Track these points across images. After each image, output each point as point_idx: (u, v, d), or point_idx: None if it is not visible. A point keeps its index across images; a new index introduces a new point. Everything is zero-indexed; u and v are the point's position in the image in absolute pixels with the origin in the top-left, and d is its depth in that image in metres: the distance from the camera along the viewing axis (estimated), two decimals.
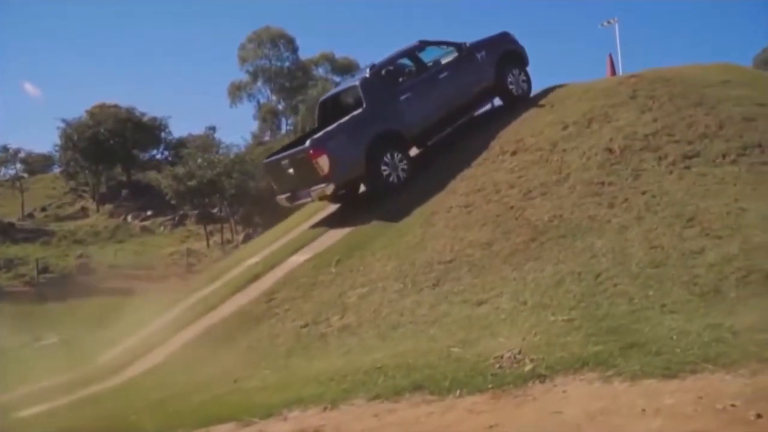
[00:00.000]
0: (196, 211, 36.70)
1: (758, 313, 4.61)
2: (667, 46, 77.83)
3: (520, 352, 4.68)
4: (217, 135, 46.52)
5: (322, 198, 9.93)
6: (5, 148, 45.38)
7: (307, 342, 6.57)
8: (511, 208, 7.67)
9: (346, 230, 9.20)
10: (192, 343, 7.84)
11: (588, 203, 7.18)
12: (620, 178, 7.47)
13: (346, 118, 9.70)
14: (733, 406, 3.31)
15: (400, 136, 9.87)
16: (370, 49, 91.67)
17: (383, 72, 10.14)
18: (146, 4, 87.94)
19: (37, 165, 51.44)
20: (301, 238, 10.01)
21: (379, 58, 10.53)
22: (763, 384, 3.51)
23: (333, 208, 10.78)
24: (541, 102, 10.30)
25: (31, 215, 41.75)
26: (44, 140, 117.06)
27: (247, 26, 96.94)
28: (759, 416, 3.14)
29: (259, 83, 54.42)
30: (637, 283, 5.56)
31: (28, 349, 13.32)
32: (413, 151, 10.62)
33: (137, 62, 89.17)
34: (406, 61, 10.58)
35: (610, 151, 8.03)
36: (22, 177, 47.00)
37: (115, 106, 44.94)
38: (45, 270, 29.97)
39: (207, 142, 42.19)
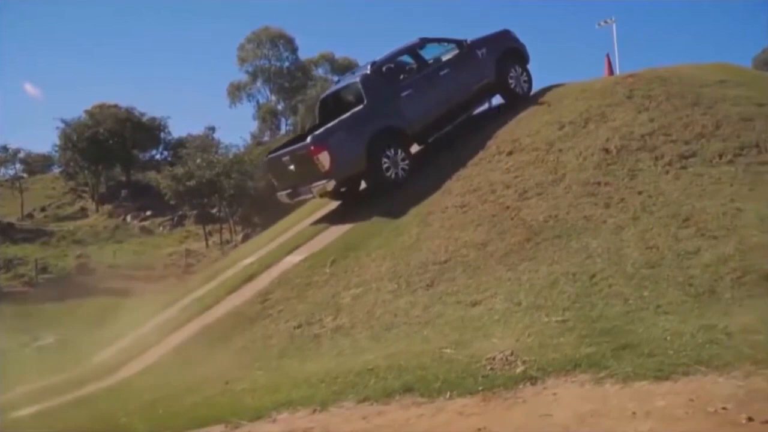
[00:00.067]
0: (195, 212, 36.69)
1: (753, 314, 4.57)
2: (668, 46, 77.92)
3: (512, 354, 4.63)
4: (216, 135, 46.59)
5: (322, 195, 9.91)
6: (5, 148, 45.48)
7: (300, 343, 6.53)
8: (507, 208, 7.64)
9: (342, 230, 9.17)
10: (186, 343, 7.80)
11: (584, 203, 7.14)
12: (616, 178, 7.43)
13: (347, 114, 9.67)
14: (724, 408, 3.26)
15: (401, 133, 9.85)
16: (370, 50, 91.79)
17: (384, 69, 10.13)
18: (146, 4, 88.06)
19: (36, 165, 51.50)
20: (298, 237, 9.98)
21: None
22: (755, 386, 3.47)
23: (330, 207, 10.74)
24: (538, 102, 10.27)
25: (30, 215, 41.75)
26: (44, 140, 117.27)
27: (246, 26, 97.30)
28: (750, 419, 3.10)
29: (259, 83, 54.50)
30: (632, 283, 5.52)
31: (25, 350, 13.33)
32: (414, 148, 10.59)
33: (137, 62, 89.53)
34: (407, 58, 10.57)
35: (607, 151, 7.99)
36: (22, 177, 47.04)
37: (115, 106, 44.97)
38: (44, 270, 30.00)
39: (206, 143, 42.22)
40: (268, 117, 53.40)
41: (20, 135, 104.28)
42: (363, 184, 10.41)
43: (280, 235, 10.97)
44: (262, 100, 54.99)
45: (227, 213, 35.83)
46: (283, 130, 51.40)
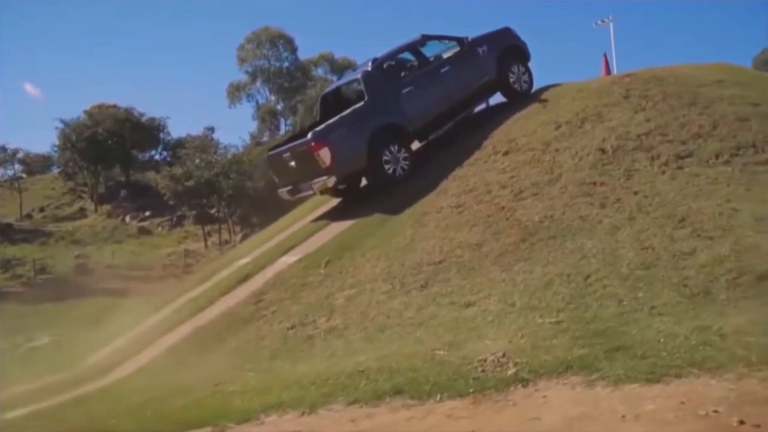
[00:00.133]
0: (194, 212, 36.66)
1: (747, 316, 4.53)
2: (667, 46, 77.91)
3: (504, 356, 4.58)
4: (215, 135, 46.59)
5: (323, 192, 9.87)
6: (3, 149, 45.47)
7: (293, 344, 6.48)
8: (502, 208, 7.58)
9: (337, 230, 9.12)
10: (179, 344, 7.75)
11: (579, 203, 7.09)
12: (612, 179, 7.38)
13: (348, 111, 9.65)
14: (715, 411, 3.21)
15: (402, 130, 9.81)
16: (370, 50, 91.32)
17: (385, 65, 10.12)
18: (146, 4, 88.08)
19: (36, 165, 51.51)
20: (293, 237, 9.93)
21: None
22: (748, 389, 3.42)
23: (328, 207, 10.69)
24: (535, 101, 10.22)
25: (29, 216, 41.75)
26: (44, 140, 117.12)
27: (246, 26, 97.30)
28: (742, 423, 3.04)
29: (258, 83, 54.40)
30: (627, 284, 5.47)
31: (20, 351, 13.27)
32: (414, 145, 10.54)
33: (136, 62, 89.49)
34: (408, 55, 10.55)
35: (603, 151, 7.94)
36: (21, 177, 47.03)
37: (114, 106, 44.96)
38: (42, 271, 29.96)
39: (205, 143, 42.19)
40: (268, 117, 53.33)
41: (20, 135, 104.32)
42: (363, 182, 10.39)
43: (277, 235, 10.92)
44: (261, 101, 54.99)
45: (226, 213, 35.79)
46: (282, 131, 51.33)
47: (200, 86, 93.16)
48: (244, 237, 31.44)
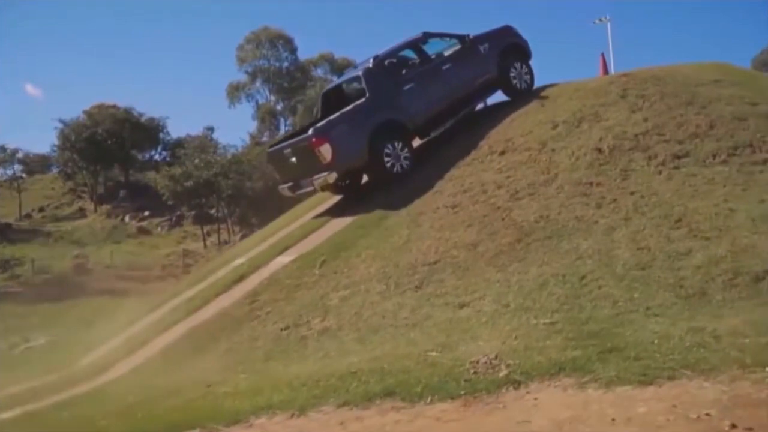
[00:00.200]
0: (193, 212, 36.63)
1: (743, 317, 4.49)
2: (667, 46, 77.93)
3: (496, 357, 4.53)
4: (215, 135, 46.58)
5: (324, 188, 9.83)
6: (3, 149, 45.42)
7: (286, 345, 6.43)
8: (498, 208, 7.54)
9: (333, 230, 9.07)
10: (173, 345, 7.69)
11: (575, 204, 7.04)
12: (609, 179, 7.34)
13: (349, 107, 9.63)
14: (707, 415, 3.16)
15: (403, 127, 9.78)
16: (370, 50, 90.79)
17: (386, 62, 10.10)
18: (146, 4, 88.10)
19: (35, 165, 51.50)
20: (290, 237, 9.88)
21: None
22: (741, 391, 3.37)
23: (326, 207, 10.64)
24: (532, 101, 10.16)
25: (28, 216, 41.75)
26: (45, 141, 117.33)
27: (245, 26, 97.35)
28: (734, 426, 2.99)
29: (258, 84, 54.44)
30: (622, 285, 5.44)
31: (17, 351, 13.25)
32: (416, 143, 10.50)
33: (136, 62, 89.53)
34: (409, 52, 10.52)
35: (599, 150, 7.90)
36: (21, 177, 47.02)
37: (114, 106, 44.99)
38: (41, 271, 29.92)
39: (204, 143, 42.16)
40: (267, 117, 53.32)
41: (20, 135, 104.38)
42: (365, 179, 10.35)
43: (274, 234, 10.87)
44: (261, 101, 55.01)
45: (225, 213, 35.76)
46: (282, 131, 51.32)
47: (200, 86, 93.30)
48: (243, 237, 31.40)
